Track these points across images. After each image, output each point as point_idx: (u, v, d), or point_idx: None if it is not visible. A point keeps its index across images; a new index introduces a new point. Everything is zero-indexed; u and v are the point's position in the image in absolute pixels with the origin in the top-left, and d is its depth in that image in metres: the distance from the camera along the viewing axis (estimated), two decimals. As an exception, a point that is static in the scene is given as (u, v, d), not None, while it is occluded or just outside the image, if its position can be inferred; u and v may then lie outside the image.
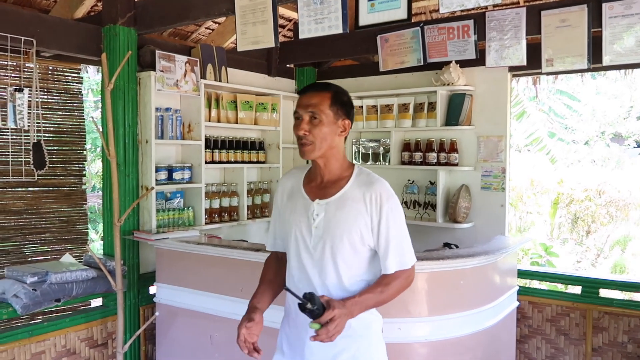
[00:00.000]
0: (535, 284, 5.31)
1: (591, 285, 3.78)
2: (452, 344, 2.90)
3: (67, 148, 4.24)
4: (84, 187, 4.39)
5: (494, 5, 4.99)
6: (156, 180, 3.68)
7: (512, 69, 4.03)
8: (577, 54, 3.32)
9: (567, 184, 9.65)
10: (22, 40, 3.11)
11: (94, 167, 10.00)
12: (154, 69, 3.60)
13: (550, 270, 6.07)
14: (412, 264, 1.88)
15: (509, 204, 4.31)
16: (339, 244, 1.82)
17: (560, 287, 4.70)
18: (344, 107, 1.88)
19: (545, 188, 9.67)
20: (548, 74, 4.42)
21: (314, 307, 1.63)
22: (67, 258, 3.50)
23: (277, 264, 2.07)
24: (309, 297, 1.64)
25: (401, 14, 2.56)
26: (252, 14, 3.00)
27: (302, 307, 1.64)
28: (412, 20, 5.22)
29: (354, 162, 4.77)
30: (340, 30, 2.71)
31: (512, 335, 3.64)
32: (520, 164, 11.02)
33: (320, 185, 1.91)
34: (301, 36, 2.84)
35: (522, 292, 3.93)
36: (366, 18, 2.68)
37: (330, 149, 1.86)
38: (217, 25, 5.23)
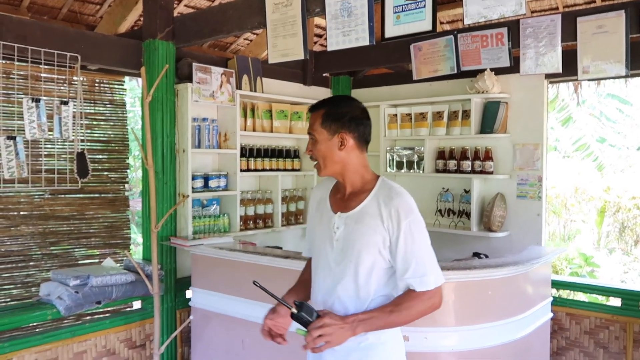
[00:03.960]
0: (579, 295, 5.18)
1: (632, 298, 3.66)
2: (480, 354, 2.88)
3: (113, 156, 4.43)
4: (127, 193, 4.58)
5: (532, 12, 4.93)
6: (193, 188, 3.81)
7: (548, 75, 3.97)
8: (615, 61, 3.24)
9: (614, 192, 9.31)
10: (68, 56, 3.30)
11: (140, 173, 10.33)
12: (191, 80, 3.74)
13: (588, 281, 5.90)
14: (436, 285, 1.75)
15: (552, 212, 4.24)
16: (357, 258, 1.79)
17: (600, 299, 4.57)
18: (339, 120, 1.84)
19: (591, 196, 9.35)
20: (589, 80, 4.35)
21: (298, 313, 1.68)
22: (109, 262, 3.67)
23: None
24: (299, 305, 1.69)
25: (426, 25, 2.58)
26: (283, 27, 3.08)
27: (292, 315, 1.71)
28: (448, 28, 5.21)
29: (388, 169, 4.79)
30: (366, 42, 2.75)
31: (545, 347, 3.57)
32: (565, 171, 10.70)
33: (343, 197, 1.91)
34: (329, 49, 2.90)
35: (559, 303, 3.86)
36: (392, 30, 2.72)
37: (342, 165, 1.86)
38: (255, 36, 5.36)
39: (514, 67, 3.63)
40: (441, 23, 5.32)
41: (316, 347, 1.66)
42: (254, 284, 1.79)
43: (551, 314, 3.57)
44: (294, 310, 1.69)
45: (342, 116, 1.85)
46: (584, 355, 3.83)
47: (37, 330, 3.43)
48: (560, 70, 3.38)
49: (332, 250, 1.86)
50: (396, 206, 1.76)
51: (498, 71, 4.12)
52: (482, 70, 4.14)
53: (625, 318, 3.67)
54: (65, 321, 3.60)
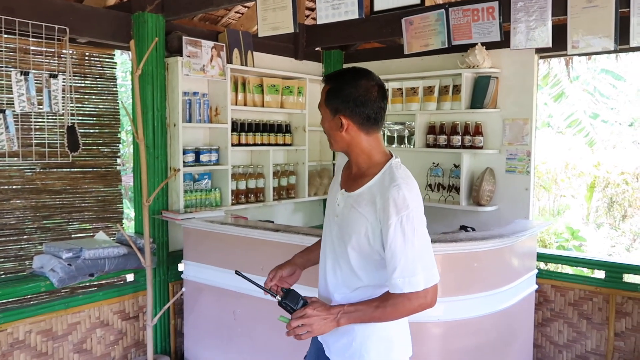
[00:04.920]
0: (566, 269, 5.28)
1: (615, 270, 3.74)
2: (465, 324, 2.96)
3: (105, 131, 4.42)
4: (118, 168, 4.58)
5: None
6: (184, 162, 3.83)
7: (538, 50, 3.97)
8: (604, 35, 3.26)
9: (603, 167, 9.40)
10: (56, 28, 3.27)
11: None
12: (181, 54, 3.73)
13: (573, 254, 5.99)
14: (426, 286, 1.64)
15: (542, 187, 4.28)
16: (347, 242, 1.75)
17: (586, 271, 4.67)
18: (337, 101, 1.74)
19: (581, 171, 9.44)
20: (578, 55, 4.35)
21: (282, 300, 1.74)
22: (101, 236, 3.70)
23: None
24: (285, 292, 1.76)
25: (415, -1, 2.58)
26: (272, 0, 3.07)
27: (278, 302, 1.77)
28: (440, 2, 5.17)
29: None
30: (356, 16, 2.76)
31: (530, 318, 3.66)
32: (557, 147, 10.76)
33: (351, 175, 1.84)
34: (319, 22, 2.91)
35: (545, 275, 3.94)
36: (380, 3, 2.72)
37: (346, 145, 1.78)
38: (246, 9, 5.31)
39: (504, 41, 3.63)
40: (434, -3, 5.29)
41: (297, 335, 1.68)
42: (236, 273, 1.81)
43: (536, 286, 3.65)
44: (278, 298, 1.75)
45: (342, 97, 1.73)
46: (567, 326, 3.93)
47: (31, 302, 3.48)
48: (550, 45, 3.39)
49: (334, 225, 1.83)
50: (389, 198, 1.64)
51: (489, 46, 4.11)
52: (473, 45, 4.14)
53: (608, 290, 3.75)
54: (59, 293, 3.64)
